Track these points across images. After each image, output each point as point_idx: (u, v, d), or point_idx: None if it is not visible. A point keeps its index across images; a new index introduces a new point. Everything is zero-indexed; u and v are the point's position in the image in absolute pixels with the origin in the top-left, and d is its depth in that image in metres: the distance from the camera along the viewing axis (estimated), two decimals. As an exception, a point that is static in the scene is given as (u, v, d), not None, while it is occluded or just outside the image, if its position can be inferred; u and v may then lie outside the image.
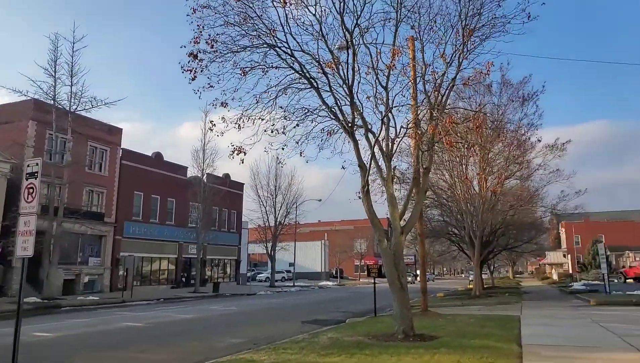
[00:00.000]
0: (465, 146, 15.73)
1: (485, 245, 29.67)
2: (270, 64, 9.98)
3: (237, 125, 9.82)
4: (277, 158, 10.97)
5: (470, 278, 53.13)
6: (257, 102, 9.99)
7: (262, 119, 10.15)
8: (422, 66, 11.07)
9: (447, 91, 10.85)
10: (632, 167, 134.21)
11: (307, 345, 9.89)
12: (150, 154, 39.85)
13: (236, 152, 10.04)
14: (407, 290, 10.84)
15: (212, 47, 9.36)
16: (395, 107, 10.44)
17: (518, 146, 26.54)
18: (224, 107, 9.69)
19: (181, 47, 9.51)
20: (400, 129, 11.11)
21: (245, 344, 10.99)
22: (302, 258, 73.73)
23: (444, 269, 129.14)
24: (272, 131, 10.57)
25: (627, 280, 41.63)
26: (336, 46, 10.56)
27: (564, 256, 77.81)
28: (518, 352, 8.55)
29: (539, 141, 26.38)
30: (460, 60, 10.44)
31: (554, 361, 7.85)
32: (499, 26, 10.23)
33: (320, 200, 59.54)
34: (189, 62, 9.63)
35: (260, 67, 9.94)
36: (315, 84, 10.30)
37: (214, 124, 9.83)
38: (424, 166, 11.38)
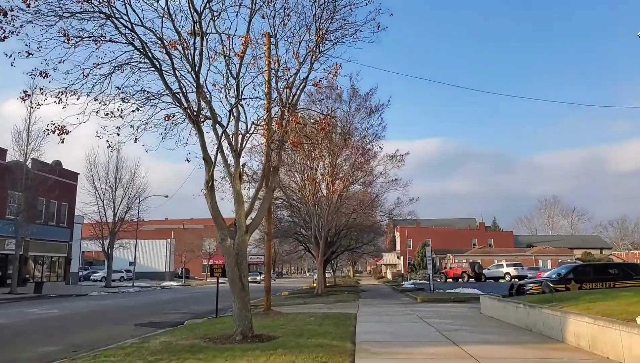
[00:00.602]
0: (311, 147, 16.01)
1: (329, 245, 30.94)
2: (105, 36, 8.76)
3: (58, 99, 8.40)
4: (108, 141, 9.64)
5: (315, 277, 55.20)
6: (86, 76, 8.68)
7: (93, 98, 8.89)
8: (275, 62, 10.89)
9: (299, 90, 10.82)
10: (456, 181, 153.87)
11: (134, 351, 8.93)
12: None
13: (57, 131, 8.61)
14: (248, 289, 10.52)
15: (28, 5, 7.86)
16: (245, 99, 10.05)
17: (363, 153, 28.24)
18: (44, 77, 8.22)
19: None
20: (251, 126, 10.76)
21: (61, 352, 9.57)
22: (144, 257, 69.05)
23: (292, 268, 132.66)
24: (106, 114, 9.36)
25: (447, 280, 47.17)
26: (188, 31, 9.80)
27: (398, 257, 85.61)
28: (351, 349, 8.76)
29: (381, 148, 28.45)
30: (313, 60, 10.49)
31: (381, 357, 8.20)
32: (350, 32, 10.52)
33: (167, 196, 56.44)
34: (-4, 17, 7.97)
35: (92, 38, 8.66)
36: (158, 65, 9.37)
37: (27, 94, 8.29)
38: (273, 165, 11.19)
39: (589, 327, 8.22)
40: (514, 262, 51.03)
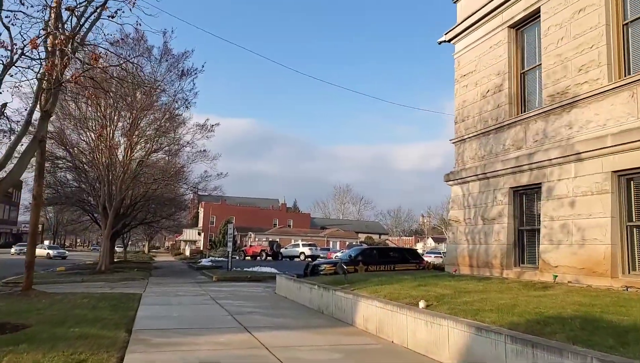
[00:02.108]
0: (103, 96, 13.53)
1: (121, 216, 27.75)
2: None
3: None
4: None
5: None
6: None
7: None
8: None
9: (88, 21, 8.60)
10: (264, 163, 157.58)
11: None
12: None
13: None
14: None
15: None
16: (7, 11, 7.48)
17: (170, 118, 25.89)
18: None
19: None
20: (16, 50, 8.15)
21: None
22: None
23: (78, 240, 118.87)
24: None
25: (246, 258, 47.48)
26: None
27: (199, 234, 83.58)
28: (124, 340, 7.27)
29: (189, 112, 26.53)
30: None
31: (160, 350, 6.92)
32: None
33: None
34: None
35: None
36: None
37: None
38: (44, 109, 8.74)
39: (378, 310, 8.31)
40: (309, 242, 54.15)
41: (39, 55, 7.94)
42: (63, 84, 8.70)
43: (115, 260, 34.88)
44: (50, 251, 48.59)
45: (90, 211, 30.86)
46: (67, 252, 52.63)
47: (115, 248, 43.28)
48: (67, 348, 6.51)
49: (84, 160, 25.04)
